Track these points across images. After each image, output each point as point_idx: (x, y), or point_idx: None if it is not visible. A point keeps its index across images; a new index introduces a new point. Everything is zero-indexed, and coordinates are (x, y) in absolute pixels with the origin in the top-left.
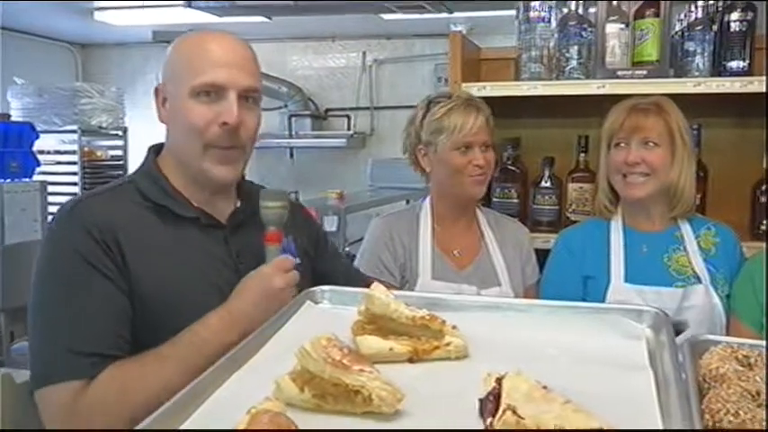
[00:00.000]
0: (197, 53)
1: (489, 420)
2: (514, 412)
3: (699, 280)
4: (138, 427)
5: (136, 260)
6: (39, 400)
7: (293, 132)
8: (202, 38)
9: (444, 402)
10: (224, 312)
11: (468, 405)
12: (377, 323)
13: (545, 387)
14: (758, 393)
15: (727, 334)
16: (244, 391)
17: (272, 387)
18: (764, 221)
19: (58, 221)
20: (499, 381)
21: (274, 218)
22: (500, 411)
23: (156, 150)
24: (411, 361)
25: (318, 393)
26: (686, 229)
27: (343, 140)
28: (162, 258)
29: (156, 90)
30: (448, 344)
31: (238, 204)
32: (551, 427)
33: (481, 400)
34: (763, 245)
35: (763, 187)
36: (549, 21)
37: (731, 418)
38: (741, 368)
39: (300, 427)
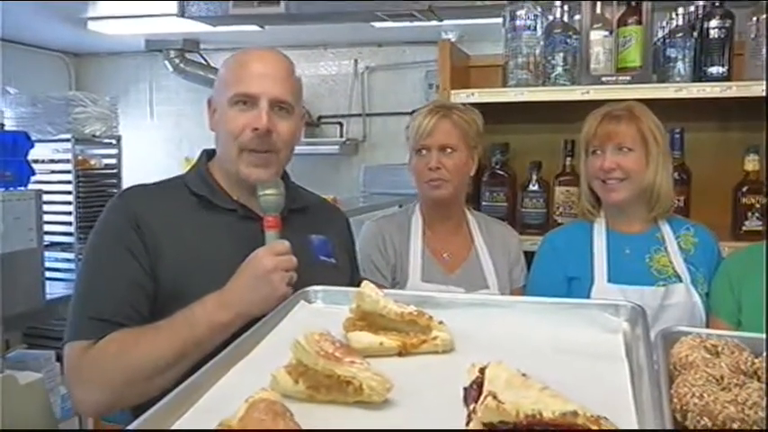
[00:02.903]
0: (237, 67)
1: (472, 406)
2: (495, 398)
3: (679, 279)
4: (142, 418)
5: (169, 243)
6: (64, 353)
7: None
8: (246, 53)
9: (431, 392)
10: (219, 293)
11: (454, 394)
12: (367, 320)
13: (524, 375)
14: (722, 378)
15: None
16: (241, 384)
17: (268, 380)
18: (746, 222)
19: (109, 204)
20: (482, 370)
21: (272, 204)
22: (482, 397)
23: (208, 154)
24: (400, 355)
25: (312, 384)
26: (666, 230)
27: (336, 147)
28: (195, 243)
29: (209, 101)
30: (435, 338)
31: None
32: (529, 411)
33: (465, 389)
34: (744, 245)
35: (744, 189)
36: (535, 29)
37: (696, 401)
38: (708, 356)
39: (295, 415)
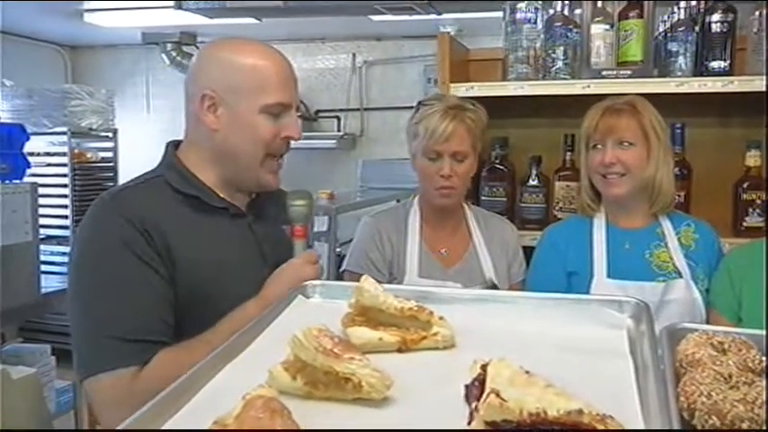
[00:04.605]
0: (261, 72)
1: (474, 404)
2: (498, 395)
3: (680, 275)
4: (137, 413)
5: (178, 247)
6: (89, 388)
7: None
8: (258, 54)
9: (432, 389)
10: (260, 300)
11: (455, 391)
12: (366, 315)
13: (527, 372)
14: (730, 376)
15: None
16: (238, 381)
17: (265, 376)
18: (746, 218)
19: (98, 213)
20: (484, 367)
21: (301, 215)
22: (484, 395)
23: (174, 146)
24: (400, 351)
25: (310, 381)
26: (667, 225)
27: (334, 141)
28: (200, 245)
29: (203, 96)
30: (435, 334)
31: (253, 196)
32: (533, 410)
33: (467, 386)
34: (745, 241)
35: (745, 185)
36: (536, 22)
37: (704, 400)
38: (715, 353)
39: (293, 413)
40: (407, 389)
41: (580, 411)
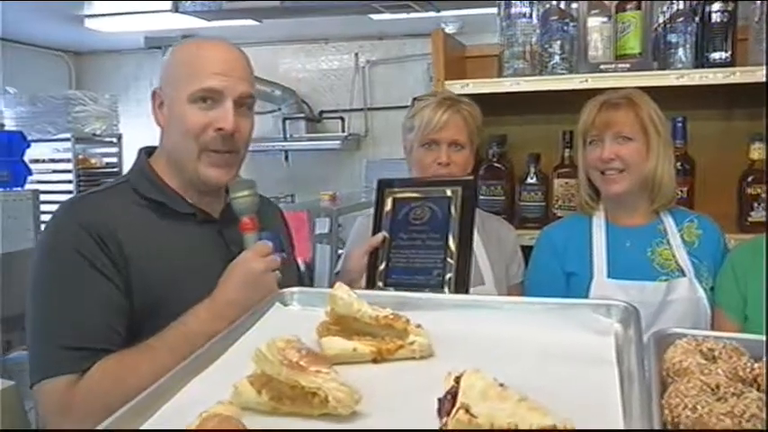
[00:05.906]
0: (195, 60)
1: (444, 420)
2: (467, 411)
3: (683, 273)
4: (101, 426)
5: (136, 255)
6: (36, 394)
7: (288, 135)
8: (199, 45)
9: (404, 402)
10: (210, 302)
11: (428, 405)
12: (341, 324)
13: (502, 385)
14: (718, 387)
15: (713, 327)
16: (204, 395)
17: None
18: (752, 213)
19: (55, 219)
20: (458, 379)
21: (246, 206)
22: (454, 410)
23: (147, 152)
24: (375, 361)
25: (276, 396)
26: (669, 222)
27: (338, 142)
28: (161, 252)
29: (154, 94)
30: (412, 343)
31: (228, 200)
32: (504, 426)
33: (440, 400)
34: (751, 236)
35: (750, 178)
36: (531, 16)
37: (689, 413)
38: (704, 361)
39: (258, 430)
40: (379, 402)
41: (554, 428)
